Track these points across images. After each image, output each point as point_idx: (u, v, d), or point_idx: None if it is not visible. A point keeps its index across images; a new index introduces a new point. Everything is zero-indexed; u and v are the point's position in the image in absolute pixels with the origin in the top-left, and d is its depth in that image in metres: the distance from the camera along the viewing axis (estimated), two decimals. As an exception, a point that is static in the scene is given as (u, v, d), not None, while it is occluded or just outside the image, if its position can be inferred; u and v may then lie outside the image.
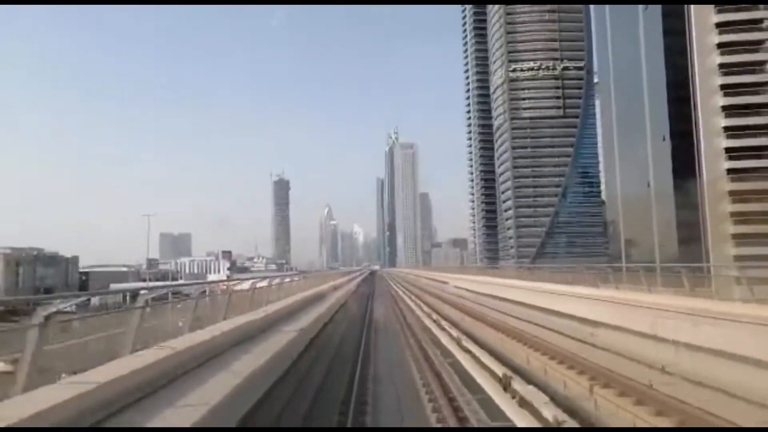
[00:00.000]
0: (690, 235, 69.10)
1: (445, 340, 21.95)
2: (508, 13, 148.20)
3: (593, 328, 18.98)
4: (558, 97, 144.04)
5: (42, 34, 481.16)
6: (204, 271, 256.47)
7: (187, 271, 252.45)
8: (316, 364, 16.18)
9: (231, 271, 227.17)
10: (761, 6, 65.60)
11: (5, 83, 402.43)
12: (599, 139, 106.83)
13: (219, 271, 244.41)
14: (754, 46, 66.29)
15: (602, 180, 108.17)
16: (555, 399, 10.88)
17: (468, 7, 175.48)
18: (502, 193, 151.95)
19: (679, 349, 13.97)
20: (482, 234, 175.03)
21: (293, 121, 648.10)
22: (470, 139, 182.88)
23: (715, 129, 66.65)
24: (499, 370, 13.91)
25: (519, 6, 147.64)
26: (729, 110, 66.26)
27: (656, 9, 75.35)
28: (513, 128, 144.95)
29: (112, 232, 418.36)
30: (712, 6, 66.57)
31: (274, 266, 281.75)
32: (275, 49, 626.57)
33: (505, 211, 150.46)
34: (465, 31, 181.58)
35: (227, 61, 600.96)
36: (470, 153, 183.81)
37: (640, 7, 79.01)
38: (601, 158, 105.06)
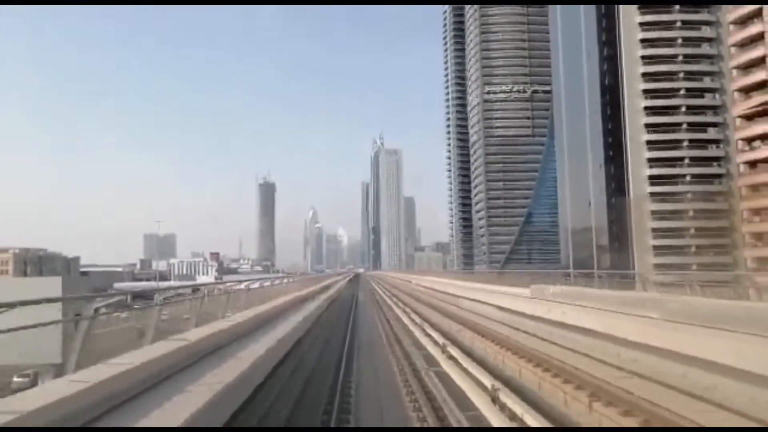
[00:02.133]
0: (620, 246, 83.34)
1: (392, 303, 35.39)
2: (483, 39, 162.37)
3: (482, 305, 32.11)
4: (528, 118, 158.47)
5: (38, 38, 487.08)
6: (192, 271, 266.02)
7: (176, 272, 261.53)
8: (326, 319, 29.23)
9: (219, 272, 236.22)
10: (675, 58, 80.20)
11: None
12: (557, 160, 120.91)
13: (207, 272, 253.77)
14: (672, 92, 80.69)
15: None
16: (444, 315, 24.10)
17: (448, 23, 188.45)
18: (476, 204, 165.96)
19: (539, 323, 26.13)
20: (459, 240, 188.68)
21: (280, 124, 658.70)
22: (449, 151, 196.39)
23: (640, 159, 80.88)
24: (414, 316, 27.09)
25: (494, 27, 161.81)
26: (651, 144, 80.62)
27: (595, 53, 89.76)
28: (486, 145, 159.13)
29: (97, 232, 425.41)
30: (640, 59, 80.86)
31: (259, 268, 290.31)
32: (263, 54, 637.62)
33: (479, 220, 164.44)
34: (446, 49, 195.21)
35: (214, 66, 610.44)
36: (449, 164, 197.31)
37: (584, 46, 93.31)
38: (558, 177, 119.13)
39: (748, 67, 60.10)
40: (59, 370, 6.75)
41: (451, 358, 17.21)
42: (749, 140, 60.52)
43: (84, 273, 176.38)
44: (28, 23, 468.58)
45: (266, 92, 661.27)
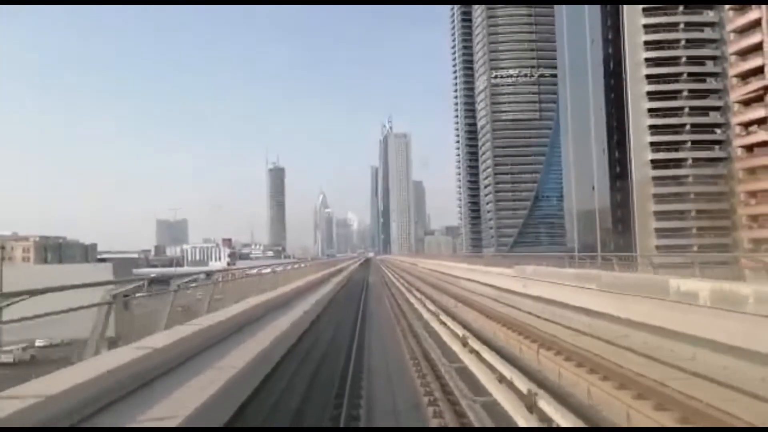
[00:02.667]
0: (624, 228, 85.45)
1: (399, 284, 38.41)
2: (491, 25, 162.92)
3: (474, 283, 34.98)
4: (535, 102, 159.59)
5: (49, 33, 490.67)
6: (206, 257, 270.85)
7: (189, 257, 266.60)
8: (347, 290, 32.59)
9: (232, 258, 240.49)
10: (678, 44, 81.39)
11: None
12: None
13: (220, 257, 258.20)
14: (675, 77, 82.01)
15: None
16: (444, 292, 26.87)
17: (456, 8, 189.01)
18: (484, 188, 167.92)
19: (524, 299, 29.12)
20: (468, 224, 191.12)
21: (289, 109, 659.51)
22: (457, 135, 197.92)
23: (642, 144, 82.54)
24: (416, 293, 29.83)
25: (500, 12, 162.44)
26: (653, 129, 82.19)
27: (599, 41, 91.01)
28: (494, 129, 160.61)
29: (109, 219, 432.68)
30: (643, 45, 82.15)
31: (271, 253, 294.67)
32: (272, 39, 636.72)
33: (487, 203, 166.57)
34: (453, 33, 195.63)
35: (223, 51, 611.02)
36: (457, 148, 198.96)
37: (588, 33, 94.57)
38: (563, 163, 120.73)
39: (746, 53, 61.46)
40: (113, 342, 7.05)
41: (438, 319, 20.15)
42: (746, 125, 62.14)
43: (101, 260, 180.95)
44: (33, 21, 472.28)
45: (275, 77, 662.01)
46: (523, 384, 9.73)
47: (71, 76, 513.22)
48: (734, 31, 63.55)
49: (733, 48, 63.72)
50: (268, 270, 21.33)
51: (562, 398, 9.65)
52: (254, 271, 19.11)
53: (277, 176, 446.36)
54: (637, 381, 10.35)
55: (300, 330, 13.59)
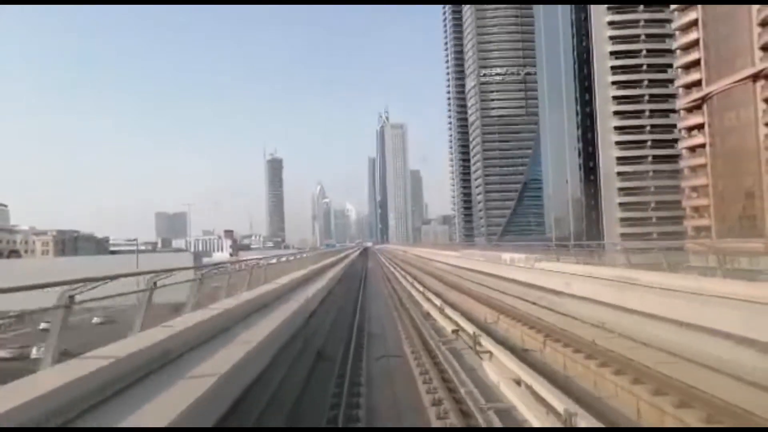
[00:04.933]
0: (593, 217, 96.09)
1: (389, 264, 49.30)
2: (479, 26, 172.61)
3: (438, 262, 46.20)
4: (522, 99, 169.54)
5: (56, 37, 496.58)
6: (208, 249, 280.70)
7: (192, 249, 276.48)
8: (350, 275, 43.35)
9: (233, 249, 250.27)
10: (639, 53, 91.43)
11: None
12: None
13: (222, 249, 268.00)
14: (636, 83, 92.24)
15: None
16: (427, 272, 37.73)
17: (447, 7, 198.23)
18: (475, 180, 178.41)
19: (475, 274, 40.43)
20: (461, 214, 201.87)
21: (288, 102, 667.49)
22: (450, 129, 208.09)
23: (609, 142, 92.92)
24: (407, 271, 40.57)
25: (489, 14, 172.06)
26: (619, 129, 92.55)
27: (569, 41, 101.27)
28: (483, 125, 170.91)
29: (111, 210, 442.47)
30: (608, 54, 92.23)
31: (270, 243, 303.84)
32: (270, 34, 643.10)
33: (478, 195, 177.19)
34: (446, 32, 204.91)
35: (222, 47, 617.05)
36: (450, 142, 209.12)
37: (561, 42, 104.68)
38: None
39: (688, 67, 71.57)
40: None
41: (410, 281, 31.48)
42: (689, 129, 72.41)
43: (113, 252, 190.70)
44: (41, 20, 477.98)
45: (274, 71, 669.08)
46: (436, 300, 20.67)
47: (71, 74, 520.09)
48: (679, 48, 73.61)
49: (678, 62, 73.88)
50: (291, 258, 31.80)
51: (452, 304, 20.71)
52: (281, 259, 28.98)
53: (276, 167, 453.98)
54: (492, 303, 21.13)
55: (336, 280, 24.17)
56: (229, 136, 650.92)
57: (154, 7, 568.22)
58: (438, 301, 23.11)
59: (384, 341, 19.03)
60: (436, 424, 10.33)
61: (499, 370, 12.59)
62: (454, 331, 18.03)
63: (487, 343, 14.95)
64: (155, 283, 8.87)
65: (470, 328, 16.81)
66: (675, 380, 10.89)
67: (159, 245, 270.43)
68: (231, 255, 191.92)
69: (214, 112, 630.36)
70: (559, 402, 9.23)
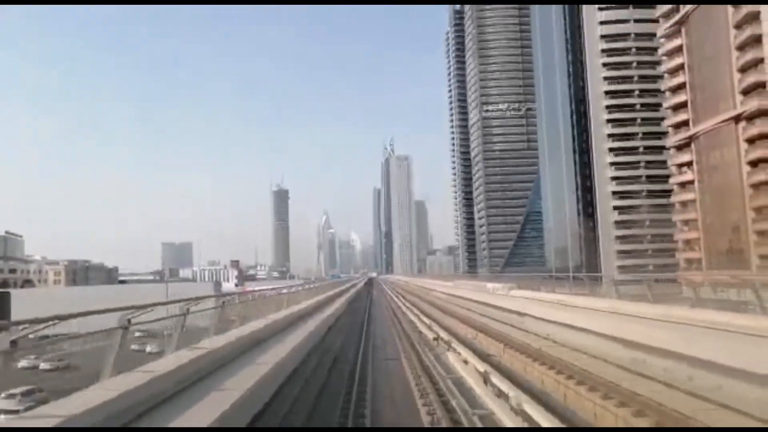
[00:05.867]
0: (590, 250, 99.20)
1: (389, 289, 52.85)
2: (481, 63, 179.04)
3: (436, 291, 49.65)
4: (523, 133, 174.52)
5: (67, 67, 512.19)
6: (214, 279, 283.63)
7: (199, 279, 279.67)
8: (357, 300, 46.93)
9: (239, 279, 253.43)
10: (635, 91, 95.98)
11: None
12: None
13: (228, 279, 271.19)
14: (631, 120, 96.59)
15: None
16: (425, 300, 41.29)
17: (450, 46, 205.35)
18: (478, 212, 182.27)
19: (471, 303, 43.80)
20: (464, 245, 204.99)
21: (293, 131, 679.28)
22: (453, 162, 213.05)
23: (605, 178, 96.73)
24: (410, 299, 43.96)
25: (493, 52, 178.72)
26: (614, 165, 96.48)
27: (565, 80, 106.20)
28: (486, 158, 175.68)
29: (114, 240, 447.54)
30: (604, 107, 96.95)
31: (276, 274, 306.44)
32: (278, 66, 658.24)
33: (480, 227, 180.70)
34: (449, 69, 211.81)
35: (230, 79, 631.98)
36: (454, 174, 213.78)
37: (558, 75, 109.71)
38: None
39: (677, 108, 75.72)
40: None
41: (408, 307, 35.10)
42: (679, 166, 76.16)
43: (122, 281, 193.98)
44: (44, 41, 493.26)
45: (281, 103, 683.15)
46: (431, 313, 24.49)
47: (79, 107, 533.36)
48: (668, 90, 77.96)
49: (667, 104, 78.22)
50: (304, 287, 35.64)
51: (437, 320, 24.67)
52: (298, 288, 33.00)
53: (281, 198, 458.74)
54: (468, 321, 24.65)
55: (347, 304, 28.03)
56: (236, 167, 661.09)
57: (162, 39, 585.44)
58: (427, 320, 27.50)
59: (383, 338, 27.51)
60: (409, 377, 15.39)
61: (454, 357, 20.72)
62: (434, 339, 25.40)
63: (454, 344, 22.36)
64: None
65: (445, 335, 24.36)
66: (576, 366, 16.88)
67: (167, 275, 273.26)
68: (236, 285, 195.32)
69: (221, 141, 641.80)
70: (481, 367, 16.46)
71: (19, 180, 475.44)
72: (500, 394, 13.95)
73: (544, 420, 10.99)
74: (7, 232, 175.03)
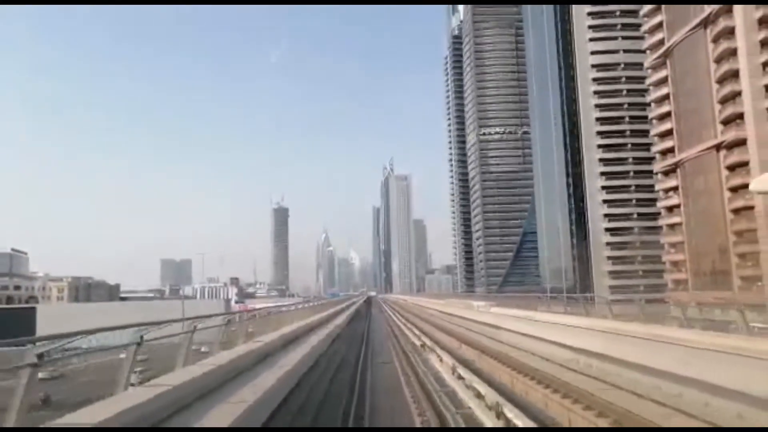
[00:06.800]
0: (584, 270, 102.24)
1: (389, 310, 55.82)
2: (479, 87, 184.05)
3: (430, 308, 52.80)
4: (519, 156, 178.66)
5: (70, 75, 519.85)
6: (213, 296, 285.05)
7: (198, 296, 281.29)
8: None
9: (239, 296, 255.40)
10: (625, 118, 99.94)
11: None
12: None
13: (228, 296, 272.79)
14: (621, 145, 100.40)
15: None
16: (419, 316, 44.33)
17: (449, 69, 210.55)
18: (476, 232, 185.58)
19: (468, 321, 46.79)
20: (462, 265, 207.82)
21: (293, 150, 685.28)
22: (452, 183, 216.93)
23: (597, 201, 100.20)
24: (405, 315, 46.95)
25: (489, 77, 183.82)
26: (606, 189, 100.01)
27: (558, 107, 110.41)
28: (483, 180, 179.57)
29: (114, 256, 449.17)
30: (595, 133, 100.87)
31: (275, 292, 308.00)
32: (278, 84, 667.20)
33: (478, 247, 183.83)
34: (447, 92, 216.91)
35: (227, 97, 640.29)
36: (452, 195, 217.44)
37: (552, 103, 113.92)
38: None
39: (663, 135, 79.52)
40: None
41: (403, 322, 38.23)
42: (666, 190, 79.66)
43: (123, 298, 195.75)
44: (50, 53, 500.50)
45: (281, 121, 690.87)
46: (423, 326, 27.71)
47: (72, 114, 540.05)
48: (654, 118, 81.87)
49: (654, 131, 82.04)
50: (306, 304, 38.75)
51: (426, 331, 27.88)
52: (300, 306, 36.09)
53: (281, 216, 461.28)
54: (452, 332, 27.91)
55: (348, 321, 31.17)
56: (236, 185, 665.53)
57: (163, 58, 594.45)
58: (417, 332, 30.93)
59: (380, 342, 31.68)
60: (399, 371, 18.93)
61: (436, 358, 25.86)
62: (422, 345, 30.43)
63: (437, 349, 27.43)
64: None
65: (430, 343, 29.43)
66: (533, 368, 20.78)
67: (167, 292, 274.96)
68: (237, 302, 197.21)
69: (220, 160, 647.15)
70: (452, 362, 21.69)
71: (24, 195, 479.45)
72: (461, 378, 19.68)
73: (486, 389, 15.57)
74: (13, 250, 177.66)
